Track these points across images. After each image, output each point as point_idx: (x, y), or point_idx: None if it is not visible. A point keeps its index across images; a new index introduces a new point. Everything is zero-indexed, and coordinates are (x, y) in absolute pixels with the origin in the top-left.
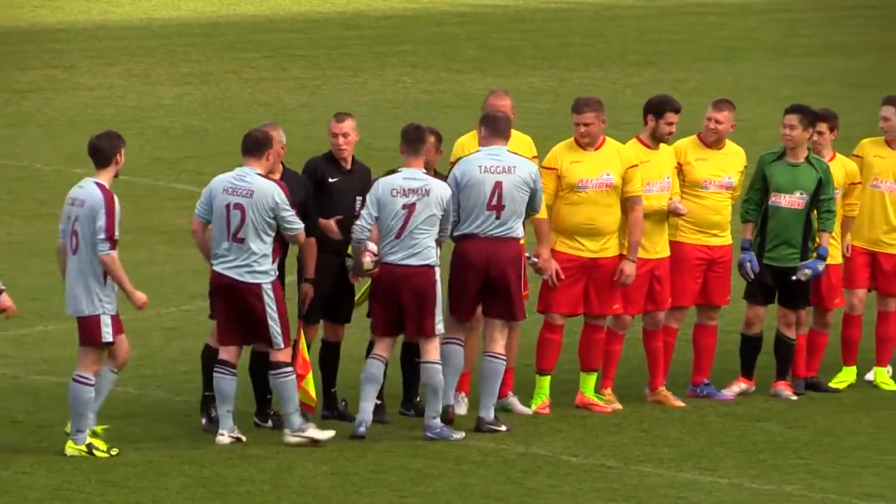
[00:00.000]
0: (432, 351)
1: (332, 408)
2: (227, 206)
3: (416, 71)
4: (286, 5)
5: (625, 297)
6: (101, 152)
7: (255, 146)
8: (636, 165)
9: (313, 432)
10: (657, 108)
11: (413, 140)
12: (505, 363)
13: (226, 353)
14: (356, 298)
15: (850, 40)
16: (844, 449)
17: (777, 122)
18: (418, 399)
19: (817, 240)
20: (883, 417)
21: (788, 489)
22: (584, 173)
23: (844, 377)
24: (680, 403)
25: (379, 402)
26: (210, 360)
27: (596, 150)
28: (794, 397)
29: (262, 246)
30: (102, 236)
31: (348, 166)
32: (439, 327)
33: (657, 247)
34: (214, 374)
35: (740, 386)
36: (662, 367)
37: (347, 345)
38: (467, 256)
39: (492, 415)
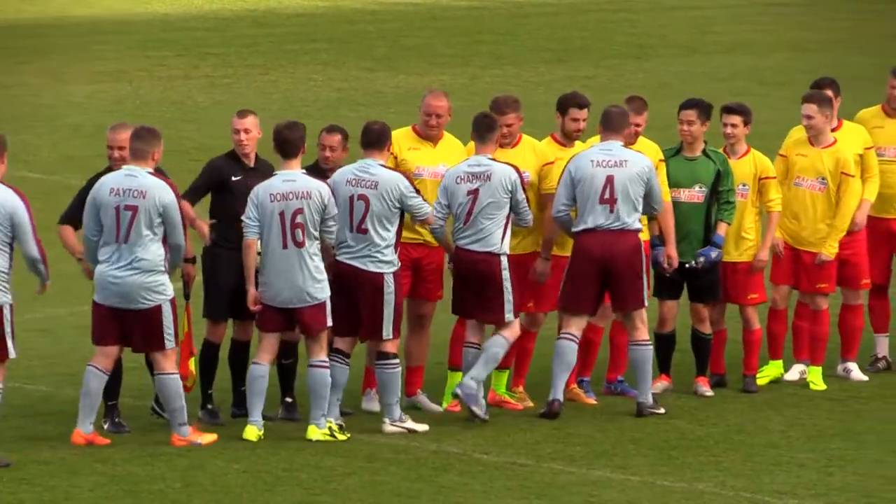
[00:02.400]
0: (508, 331)
1: (241, 406)
2: (351, 197)
3: (328, 69)
4: (198, 3)
5: (538, 294)
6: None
7: (375, 138)
8: (552, 163)
9: (411, 424)
10: (561, 104)
11: (482, 128)
12: (651, 348)
13: (341, 342)
14: None
15: (760, 38)
16: (756, 446)
17: None
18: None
19: (716, 229)
20: (794, 415)
21: (700, 487)
22: None
23: (769, 372)
24: (592, 401)
25: (290, 400)
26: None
27: (512, 147)
28: (711, 393)
29: (385, 236)
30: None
31: (251, 164)
32: (509, 317)
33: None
34: (329, 363)
35: (662, 384)
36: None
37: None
38: (584, 250)
39: (650, 398)
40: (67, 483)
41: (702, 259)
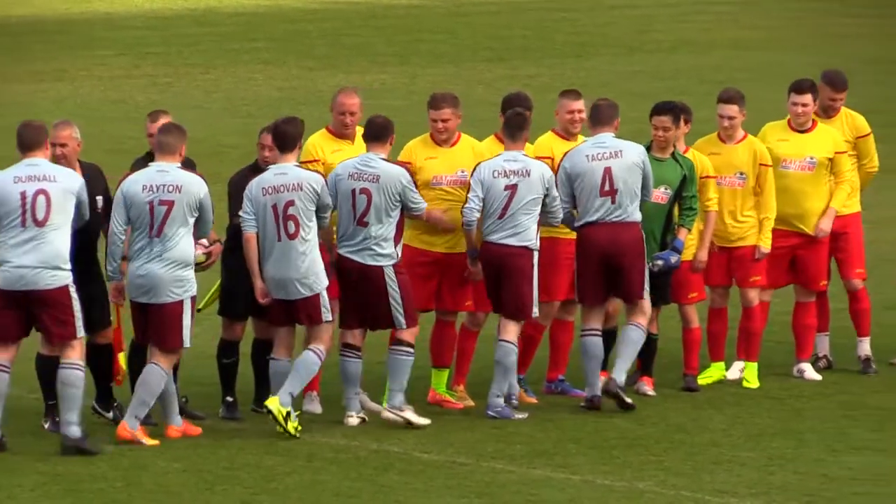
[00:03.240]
0: (512, 331)
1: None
2: (353, 190)
3: (269, 68)
4: (139, 2)
5: (478, 294)
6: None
7: (378, 131)
8: None
9: (410, 415)
10: (503, 105)
11: (512, 125)
12: (645, 333)
13: (350, 336)
14: (203, 301)
15: (700, 36)
16: (697, 445)
17: (629, 118)
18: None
19: (676, 234)
20: (734, 414)
21: (641, 486)
22: (438, 170)
23: (712, 374)
24: (532, 400)
25: (231, 399)
26: (45, 367)
27: (451, 146)
28: (653, 393)
29: (385, 229)
30: None
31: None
32: (535, 311)
33: None
34: (341, 358)
35: (644, 385)
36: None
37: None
38: (588, 243)
39: (623, 379)
40: (9, 482)
41: (660, 262)
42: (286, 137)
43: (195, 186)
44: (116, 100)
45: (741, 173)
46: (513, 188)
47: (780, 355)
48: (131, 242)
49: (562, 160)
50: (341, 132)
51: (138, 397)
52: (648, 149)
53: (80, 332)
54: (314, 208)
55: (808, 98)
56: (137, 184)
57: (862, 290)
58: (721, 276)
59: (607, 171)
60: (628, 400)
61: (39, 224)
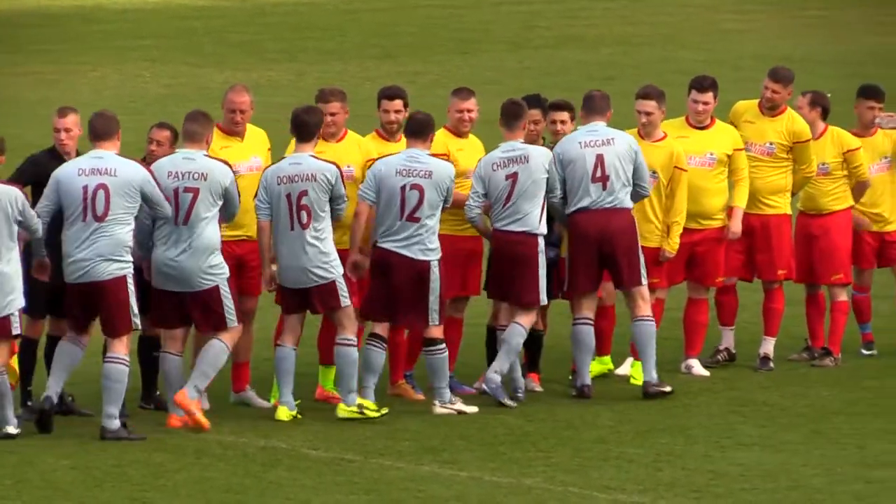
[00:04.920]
0: (525, 318)
1: (61, 402)
2: (403, 187)
3: (156, 65)
4: (27, 0)
5: (364, 290)
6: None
7: (419, 128)
8: (375, 158)
9: (461, 405)
10: (378, 98)
11: (511, 115)
12: (654, 323)
13: (380, 328)
14: None
15: (588, 32)
16: (584, 441)
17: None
18: (158, 392)
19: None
20: (622, 410)
21: (528, 482)
22: None
23: (595, 368)
24: (420, 396)
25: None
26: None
27: (338, 142)
28: (541, 389)
29: (434, 224)
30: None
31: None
32: (543, 298)
33: None
34: (366, 347)
35: (530, 382)
36: (402, 361)
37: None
38: (580, 230)
39: (655, 376)
40: None
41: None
42: (306, 127)
43: (220, 174)
44: (5, 97)
45: (653, 172)
46: (513, 176)
47: (669, 352)
48: (155, 229)
49: (553, 147)
50: (231, 129)
51: (199, 369)
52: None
53: (136, 325)
54: (328, 198)
55: (709, 96)
56: (163, 170)
57: (778, 290)
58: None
59: (599, 157)
60: (667, 388)
61: (99, 219)
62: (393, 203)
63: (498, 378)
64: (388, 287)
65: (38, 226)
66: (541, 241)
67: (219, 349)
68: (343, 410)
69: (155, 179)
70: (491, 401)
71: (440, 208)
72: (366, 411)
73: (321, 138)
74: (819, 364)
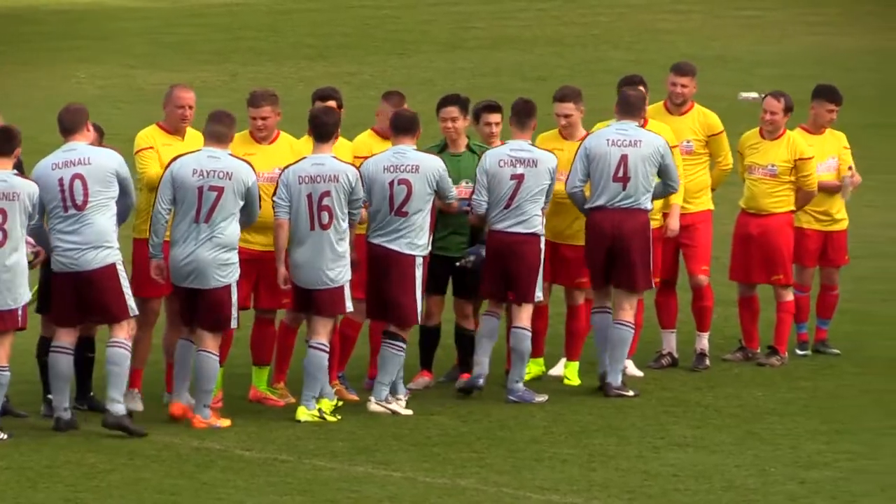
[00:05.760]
0: (524, 317)
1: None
2: (392, 182)
3: (89, 66)
4: None
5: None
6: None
7: (407, 124)
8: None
9: (396, 406)
10: (312, 100)
11: (521, 113)
12: (633, 330)
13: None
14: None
15: (522, 33)
16: (518, 442)
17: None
18: (92, 393)
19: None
20: (556, 411)
21: (463, 483)
22: (257, 166)
23: (529, 369)
24: (354, 397)
25: (52, 396)
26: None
27: (270, 143)
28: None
29: (424, 218)
30: None
31: None
32: (538, 295)
33: None
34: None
35: (423, 379)
36: (337, 360)
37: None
38: (595, 227)
39: (619, 380)
40: None
41: (472, 257)
42: (325, 127)
43: (244, 174)
44: None
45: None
46: (519, 178)
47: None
48: (174, 225)
49: (583, 139)
50: (176, 127)
51: (200, 388)
52: (444, 147)
53: (132, 311)
54: (348, 200)
55: (570, 107)
56: (188, 167)
57: (707, 286)
58: (547, 274)
59: (623, 158)
60: (630, 393)
61: (79, 208)
62: (383, 199)
63: (521, 385)
64: (381, 282)
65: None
66: (542, 242)
67: (208, 361)
68: (303, 413)
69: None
70: (424, 401)
71: (431, 202)
72: (325, 416)
73: (254, 140)
74: (766, 363)
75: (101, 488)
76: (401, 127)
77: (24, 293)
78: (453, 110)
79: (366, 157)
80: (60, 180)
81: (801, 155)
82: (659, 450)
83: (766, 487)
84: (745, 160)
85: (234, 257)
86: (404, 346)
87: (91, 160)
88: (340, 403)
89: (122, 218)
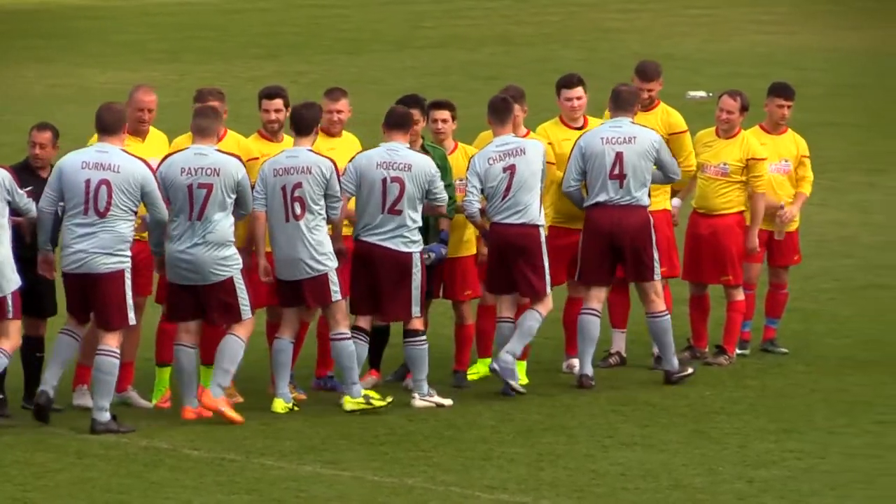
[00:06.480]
0: (541, 306)
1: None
2: (384, 179)
3: (39, 65)
4: None
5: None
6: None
7: (400, 121)
8: (257, 158)
9: (439, 398)
10: (258, 98)
11: (499, 110)
12: (667, 315)
13: (363, 321)
14: None
15: (471, 32)
16: (466, 441)
17: None
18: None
19: (440, 226)
20: (504, 410)
21: (410, 482)
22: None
23: (478, 369)
24: (301, 396)
25: (1, 396)
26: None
27: (217, 142)
28: (381, 382)
29: (416, 216)
30: None
31: (45, 176)
32: (548, 287)
33: None
34: (353, 340)
35: (371, 379)
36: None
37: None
38: (594, 225)
39: (676, 364)
40: None
41: (432, 254)
42: (304, 121)
43: (233, 168)
44: None
45: None
46: (511, 168)
47: (549, 351)
48: (170, 225)
49: (578, 139)
50: (136, 128)
51: (218, 365)
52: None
53: (131, 321)
54: (322, 192)
55: (580, 91)
56: (176, 166)
57: (665, 287)
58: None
59: (619, 155)
60: (690, 370)
61: (101, 214)
62: (374, 196)
63: (511, 359)
64: (372, 280)
65: (31, 205)
66: (542, 232)
67: (234, 343)
68: (350, 403)
69: (156, 178)
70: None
71: (422, 203)
72: (372, 401)
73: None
74: (713, 362)
75: (50, 487)
76: (393, 123)
77: (12, 281)
78: (415, 113)
79: (257, 158)
80: (87, 182)
81: (754, 155)
82: (607, 449)
83: (715, 486)
84: (698, 158)
85: (231, 251)
86: (426, 339)
87: (120, 168)
88: (296, 409)
89: (151, 230)
